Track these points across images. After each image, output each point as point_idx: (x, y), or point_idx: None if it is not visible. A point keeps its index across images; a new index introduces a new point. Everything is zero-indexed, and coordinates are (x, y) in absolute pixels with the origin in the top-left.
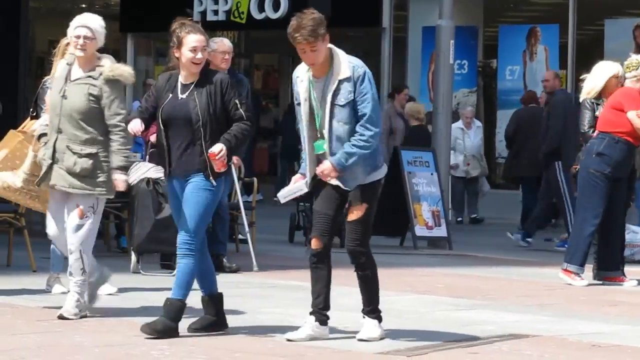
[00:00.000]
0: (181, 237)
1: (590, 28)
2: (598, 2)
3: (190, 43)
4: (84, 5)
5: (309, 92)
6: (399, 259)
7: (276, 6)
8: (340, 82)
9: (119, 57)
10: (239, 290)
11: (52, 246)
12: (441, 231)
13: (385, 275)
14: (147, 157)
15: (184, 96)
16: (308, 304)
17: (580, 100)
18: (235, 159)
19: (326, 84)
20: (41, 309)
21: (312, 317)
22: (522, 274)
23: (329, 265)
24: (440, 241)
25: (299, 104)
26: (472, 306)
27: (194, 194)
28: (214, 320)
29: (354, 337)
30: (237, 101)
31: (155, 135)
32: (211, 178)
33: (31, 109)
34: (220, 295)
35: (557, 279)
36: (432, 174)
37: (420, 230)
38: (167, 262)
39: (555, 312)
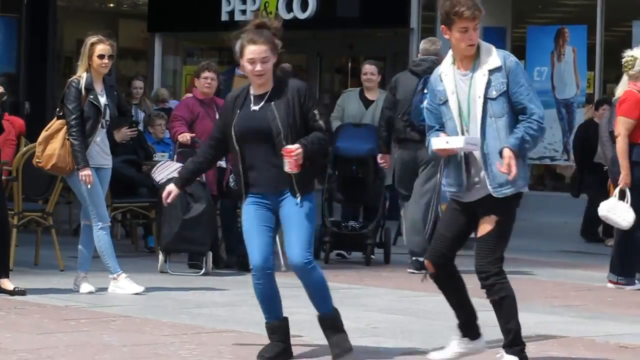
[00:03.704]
0: (298, 260)
1: (618, 29)
2: (626, 3)
3: (247, 55)
4: (112, 5)
5: (456, 86)
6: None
7: (304, 6)
8: (491, 72)
9: (147, 58)
10: None
11: (79, 246)
12: None
13: (412, 276)
14: (175, 156)
15: (256, 108)
16: (335, 304)
17: None
18: None
19: (473, 76)
20: (69, 308)
21: (459, 333)
22: (550, 275)
23: (454, 281)
24: (468, 241)
25: (443, 102)
26: None
27: (297, 215)
28: (283, 346)
29: (382, 337)
30: (316, 112)
31: (183, 135)
32: (298, 195)
33: (57, 109)
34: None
35: (585, 280)
36: None
37: None
38: (195, 262)
39: (583, 313)
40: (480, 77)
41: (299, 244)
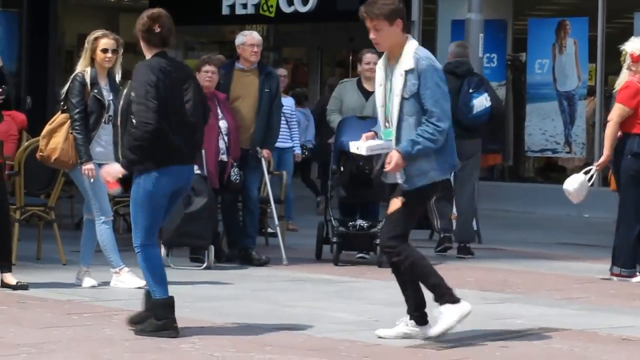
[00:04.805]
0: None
1: (620, 21)
2: None
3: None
4: (112, 0)
5: (384, 79)
6: (427, 253)
7: (305, 0)
8: (407, 73)
9: None
10: (268, 283)
11: (81, 240)
12: None
13: None
14: None
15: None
16: (337, 297)
17: None
18: (265, 152)
19: (393, 74)
20: (71, 303)
21: (407, 316)
22: (552, 268)
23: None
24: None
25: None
26: (501, 299)
27: (131, 200)
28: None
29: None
30: (132, 94)
31: None
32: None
33: (62, 103)
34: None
35: (587, 273)
36: None
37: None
38: (197, 256)
39: (585, 306)
40: (398, 76)
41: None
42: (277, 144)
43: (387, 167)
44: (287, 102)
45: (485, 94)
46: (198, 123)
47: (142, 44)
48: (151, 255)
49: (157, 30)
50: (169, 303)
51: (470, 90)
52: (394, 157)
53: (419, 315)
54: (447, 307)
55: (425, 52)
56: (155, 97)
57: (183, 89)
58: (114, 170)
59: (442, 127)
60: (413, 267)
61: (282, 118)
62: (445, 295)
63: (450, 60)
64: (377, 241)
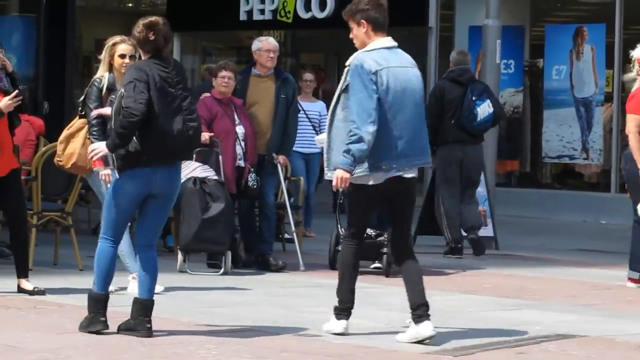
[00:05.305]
0: None
1: (637, 27)
2: None
3: None
4: (130, 5)
5: None
6: (445, 259)
7: (323, 5)
8: (345, 70)
9: None
10: (285, 289)
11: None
12: (488, 231)
13: (431, 275)
14: (194, 155)
15: None
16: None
17: None
18: (281, 158)
19: None
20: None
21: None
22: (569, 274)
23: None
24: (487, 241)
25: None
26: (518, 306)
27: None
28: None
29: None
30: (122, 90)
31: (202, 134)
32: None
33: (79, 108)
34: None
35: (604, 279)
36: None
37: None
38: (214, 262)
39: (602, 312)
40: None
41: None
42: (304, 150)
43: (334, 185)
44: (317, 106)
45: (488, 101)
46: (191, 124)
47: (139, 50)
48: (103, 249)
49: (152, 37)
50: (101, 299)
51: (474, 98)
52: (335, 175)
53: (412, 313)
54: (331, 318)
55: (364, 54)
56: (145, 90)
57: (176, 88)
58: (99, 148)
59: (360, 126)
60: (339, 264)
61: (309, 123)
62: (337, 308)
63: (452, 67)
64: (384, 250)
